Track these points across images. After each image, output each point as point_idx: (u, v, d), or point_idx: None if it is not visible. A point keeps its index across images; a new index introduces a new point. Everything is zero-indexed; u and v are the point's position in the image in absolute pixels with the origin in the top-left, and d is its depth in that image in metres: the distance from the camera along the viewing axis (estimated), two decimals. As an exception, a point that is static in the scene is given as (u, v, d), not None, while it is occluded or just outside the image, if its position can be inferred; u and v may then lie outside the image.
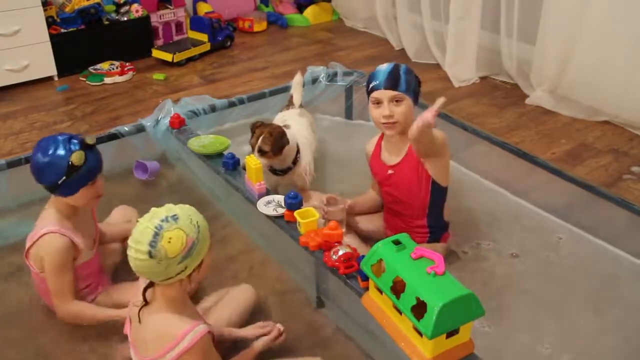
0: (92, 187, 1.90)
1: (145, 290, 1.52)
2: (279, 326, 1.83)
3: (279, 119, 2.68)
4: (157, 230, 1.39)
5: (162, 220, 1.41)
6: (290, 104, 2.83)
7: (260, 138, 2.34)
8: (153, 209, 1.45)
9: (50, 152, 1.82)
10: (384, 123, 2.08)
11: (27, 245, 1.93)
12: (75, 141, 1.85)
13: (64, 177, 1.82)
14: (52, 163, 1.81)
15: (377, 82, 2.06)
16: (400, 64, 2.11)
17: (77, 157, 1.82)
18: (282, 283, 2.22)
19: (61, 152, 1.82)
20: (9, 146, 3.04)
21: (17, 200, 2.61)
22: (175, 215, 1.43)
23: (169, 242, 1.39)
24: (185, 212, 1.46)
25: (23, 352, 1.93)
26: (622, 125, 3.14)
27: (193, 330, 1.47)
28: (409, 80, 2.05)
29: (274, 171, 2.50)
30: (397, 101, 2.05)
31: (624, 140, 3.04)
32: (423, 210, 2.15)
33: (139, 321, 1.53)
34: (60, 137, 1.85)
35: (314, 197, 2.45)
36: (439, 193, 2.12)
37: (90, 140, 1.87)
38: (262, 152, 2.34)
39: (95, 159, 1.89)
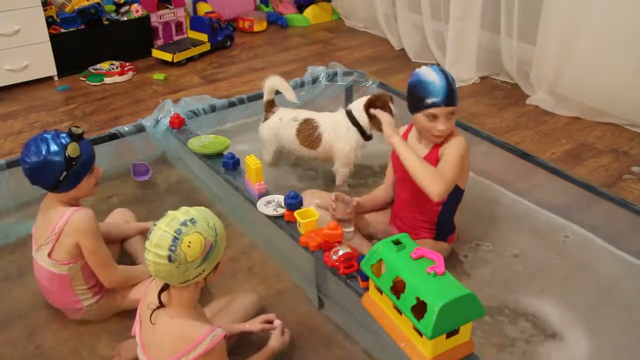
0: (92, 174, 1.93)
1: (160, 293, 1.51)
2: (278, 322, 1.84)
3: (289, 117, 2.74)
4: (176, 234, 1.39)
5: (182, 224, 1.41)
6: (269, 108, 2.82)
7: (391, 105, 2.51)
8: (170, 212, 1.45)
9: (44, 151, 1.81)
10: (436, 135, 2.06)
11: (52, 242, 1.88)
12: (64, 135, 1.86)
13: (65, 172, 1.83)
14: (49, 161, 1.81)
15: (437, 99, 1.99)
16: (443, 70, 2.05)
17: (72, 149, 1.84)
18: (282, 283, 2.22)
19: (55, 148, 1.82)
20: (9, 146, 3.04)
21: (17, 200, 2.61)
22: (193, 219, 1.43)
23: (189, 246, 1.39)
24: (202, 215, 1.46)
25: (23, 352, 1.93)
26: (623, 125, 3.14)
27: (211, 333, 1.47)
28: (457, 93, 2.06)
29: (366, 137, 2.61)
30: (451, 113, 2.03)
31: (624, 140, 3.04)
32: (436, 207, 2.15)
33: (152, 323, 1.53)
34: (47, 135, 1.85)
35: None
36: (454, 195, 2.12)
37: (76, 130, 1.88)
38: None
39: (88, 146, 1.92)
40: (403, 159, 2.00)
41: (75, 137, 1.87)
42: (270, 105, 2.82)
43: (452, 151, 2.03)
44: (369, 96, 2.60)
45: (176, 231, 1.40)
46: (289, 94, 2.82)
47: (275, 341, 1.78)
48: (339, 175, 2.68)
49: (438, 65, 2.09)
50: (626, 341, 1.97)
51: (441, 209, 2.15)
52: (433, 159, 2.08)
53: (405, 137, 2.21)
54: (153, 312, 1.52)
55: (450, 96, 1.99)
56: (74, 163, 1.84)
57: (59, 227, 1.88)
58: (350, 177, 2.81)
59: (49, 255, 1.90)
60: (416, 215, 2.20)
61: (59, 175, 1.83)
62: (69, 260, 1.90)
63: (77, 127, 1.90)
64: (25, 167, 1.84)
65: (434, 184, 1.92)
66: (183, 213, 1.44)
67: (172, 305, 1.51)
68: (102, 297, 2.01)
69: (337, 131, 2.62)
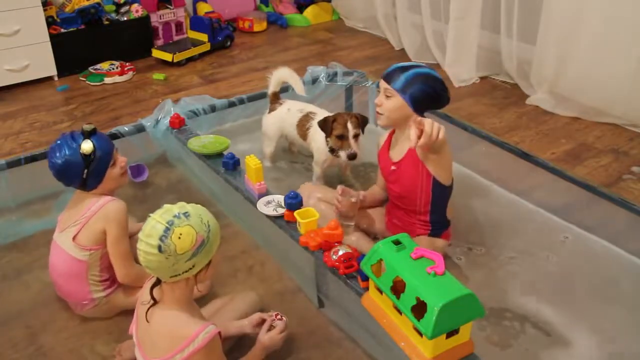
0: (115, 165, 1.99)
1: (152, 288, 1.53)
2: (274, 316, 1.83)
3: (297, 108, 2.76)
4: (168, 225, 1.41)
5: (174, 216, 1.42)
6: (274, 100, 2.85)
7: (352, 124, 2.42)
8: (165, 205, 1.47)
9: (62, 154, 1.89)
10: (376, 111, 2.14)
11: (80, 225, 1.93)
12: (76, 135, 1.93)
13: (86, 170, 1.90)
14: (68, 163, 1.89)
15: (385, 71, 2.11)
16: (423, 67, 2.08)
17: (85, 147, 1.90)
18: (282, 283, 2.22)
19: (69, 150, 1.90)
20: (9, 146, 3.04)
21: (17, 200, 2.61)
22: (187, 212, 1.44)
23: (179, 237, 1.41)
24: (197, 210, 1.48)
25: (24, 353, 1.93)
26: (623, 125, 3.14)
27: (204, 330, 1.47)
28: (411, 83, 2.03)
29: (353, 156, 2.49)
30: (387, 96, 2.08)
31: (624, 140, 3.04)
32: (425, 207, 2.15)
33: (147, 321, 1.53)
34: (62, 140, 1.93)
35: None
36: (440, 191, 2.12)
37: (87, 128, 1.93)
38: (356, 137, 2.45)
39: (103, 140, 1.98)
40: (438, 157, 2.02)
41: (87, 135, 1.92)
42: (276, 97, 2.85)
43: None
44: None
45: (168, 222, 1.41)
46: (298, 86, 2.84)
47: (263, 336, 1.76)
48: (314, 172, 2.73)
49: (432, 70, 2.10)
50: (629, 341, 1.97)
51: (430, 208, 2.16)
52: (410, 159, 2.08)
53: (388, 141, 2.24)
54: (148, 309, 1.52)
55: (392, 74, 2.07)
56: (91, 159, 1.91)
57: (92, 212, 1.94)
58: (351, 175, 2.83)
59: (74, 238, 1.94)
60: (407, 213, 2.21)
61: (82, 174, 1.91)
62: (91, 246, 1.94)
63: (89, 124, 1.96)
64: (53, 172, 1.93)
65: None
66: (178, 207, 1.46)
67: (164, 302, 1.52)
68: (111, 292, 2.02)
69: (318, 129, 2.62)
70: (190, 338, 1.46)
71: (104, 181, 1.96)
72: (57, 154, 1.90)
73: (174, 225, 1.41)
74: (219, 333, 1.52)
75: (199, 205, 1.51)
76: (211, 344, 1.48)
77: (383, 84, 2.09)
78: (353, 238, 2.19)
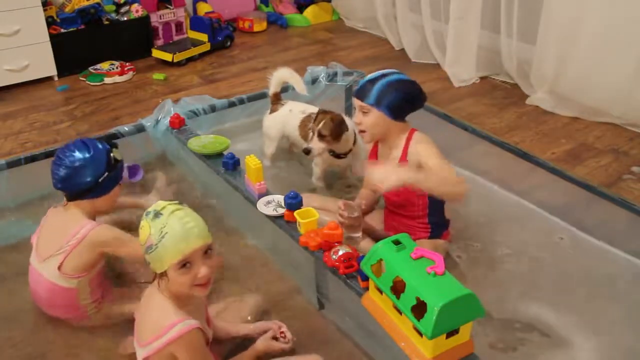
0: (119, 187, 1.97)
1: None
2: (281, 325, 1.84)
3: (299, 109, 2.77)
4: (145, 214, 1.49)
5: (152, 210, 1.48)
6: (275, 100, 2.86)
7: (322, 123, 2.44)
8: (167, 202, 1.51)
9: (91, 151, 1.85)
10: (358, 128, 2.14)
11: (65, 254, 1.85)
12: (101, 142, 1.92)
13: (106, 173, 1.87)
14: (95, 161, 1.85)
15: (356, 89, 2.11)
16: (391, 74, 2.08)
17: (117, 153, 1.92)
18: (282, 283, 2.22)
19: (96, 151, 1.86)
20: (9, 146, 3.04)
21: (17, 200, 2.61)
22: (160, 213, 1.46)
23: (141, 228, 1.48)
24: (171, 219, 1.45)
25: (23, 352, 1.93)
26: (623, 125, 3.14)
27: (182, 322, 1.49)
28: (384, 94, 2.02)
29: (336, 155, 2.58)
30: (363, 112, 2.07)
31: (624, 140, 3.04)
32: (423, 211, 2.16)
33: (143, 300, 1.60)
34: (85, 141, 1.89)
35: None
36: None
37: (113, 142, 1.97)
38: (321, 136, 2.45)
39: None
40: (421, 188, 1.90)
41: (115, 145, 1.95)
42: (277, 98, 2.85)
43: (426, 149, 2.02)
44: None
45: (147, 212, 1.48)
46: (299, 86, 2.84)
47: (261, 342, 1.77)
48: (313, 173, 2.73)
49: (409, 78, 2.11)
50: (629, 340, 1.97)
51: (428, 211, 2.16)
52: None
53: (374, 151, 2.23)
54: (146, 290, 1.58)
55: (362, 90, 2.06)
56: (113, 168, 1.90)
57: (77, 239, 1.85)
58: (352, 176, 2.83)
59: (59, 267, 1.87)
60: (407, 218, 2.21)
61: (99, 177, 1.86)
62: (79, 273, 1.89)
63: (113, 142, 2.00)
64: (64, 167, 1.84)
65: (455, 192, 1.90)
66: (163, 206, 1.48)
67: (159, 291, 1.54)
68: (103, 305, 2.00)
69: None
70: (166, 328, 1.48)
71: (106, 196, 1.91)
72: (84, 150, 1.84)
73: (146, 216, 1.48)
74: (201, 330, 1.53)
75: (186, 217, 1.46)
76: (187, 337, 1.48)
77: (356, 101, 2.08)
78: (363, 247, 2.17)
